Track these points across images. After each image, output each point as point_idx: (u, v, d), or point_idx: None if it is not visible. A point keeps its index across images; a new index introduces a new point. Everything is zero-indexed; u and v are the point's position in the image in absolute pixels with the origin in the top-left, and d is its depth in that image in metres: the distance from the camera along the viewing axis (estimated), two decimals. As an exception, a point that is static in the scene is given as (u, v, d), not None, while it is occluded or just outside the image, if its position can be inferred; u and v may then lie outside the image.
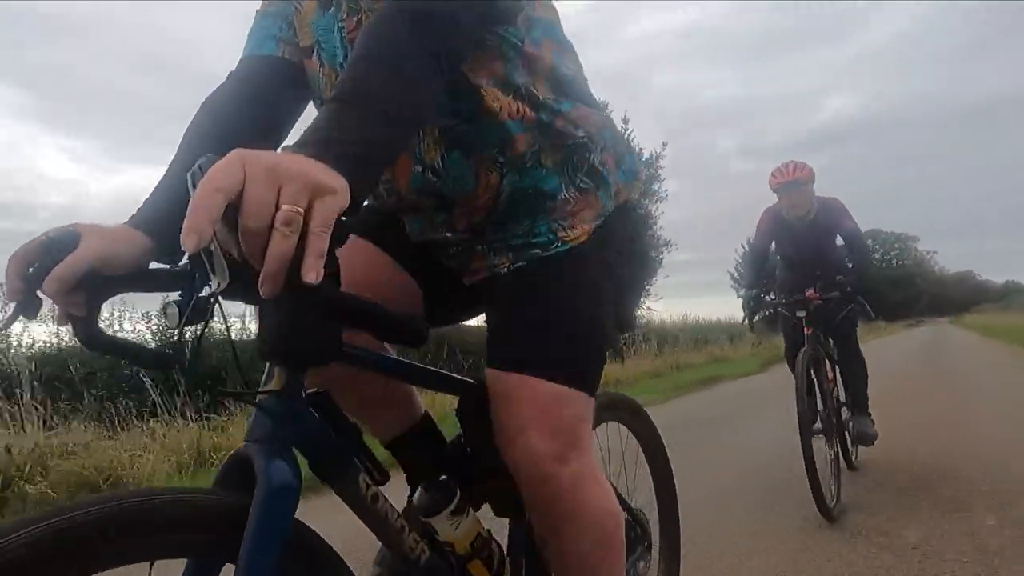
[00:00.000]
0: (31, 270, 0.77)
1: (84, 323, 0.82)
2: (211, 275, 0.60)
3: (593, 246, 1.04)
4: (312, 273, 0.56)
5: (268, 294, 0.57)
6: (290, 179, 0.56)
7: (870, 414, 4.00)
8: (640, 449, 1.61)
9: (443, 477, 1.05)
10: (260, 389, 0.77)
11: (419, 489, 1.02)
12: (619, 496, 1.32)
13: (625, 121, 19.03)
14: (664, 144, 19.35)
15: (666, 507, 1.65)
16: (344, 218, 0.64)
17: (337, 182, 0.60)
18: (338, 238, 0.61)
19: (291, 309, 0.71)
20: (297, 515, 0.74)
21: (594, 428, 1.41)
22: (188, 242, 0.52)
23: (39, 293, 0.78)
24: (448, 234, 1.04)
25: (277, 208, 0.56)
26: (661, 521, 1.64)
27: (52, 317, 0.81)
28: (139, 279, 0.86)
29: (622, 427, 1.56)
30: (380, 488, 0.89)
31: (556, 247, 1.02)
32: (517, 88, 0.96)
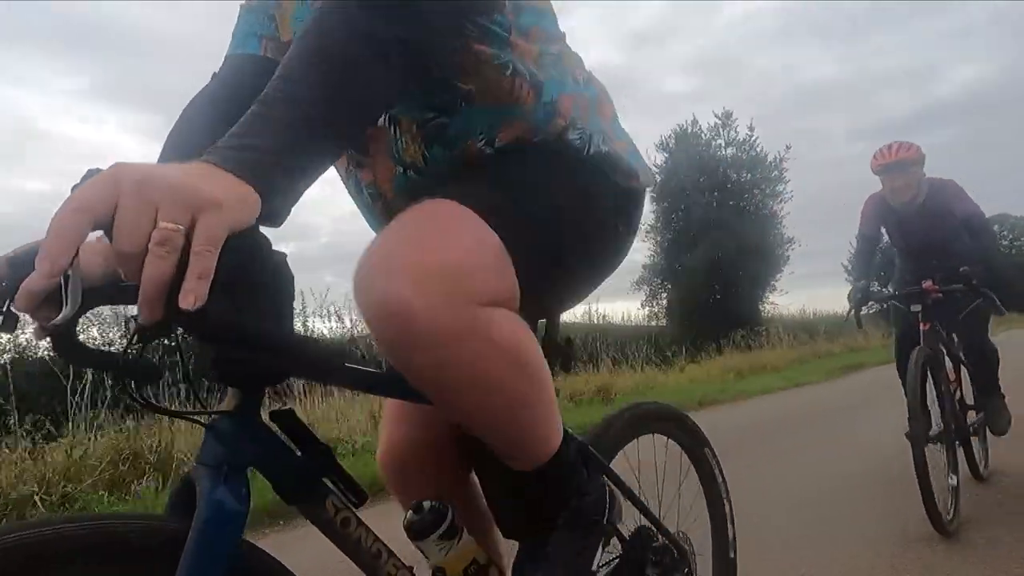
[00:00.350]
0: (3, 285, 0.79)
1: (62, 337, 0.83)
2: (64, 302, 0.57)
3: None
4: (190, 297, 0.52)
5: (146, 321, 0.54)
6: (167, 194, 0.52)
7: (1003, 396, 3.59)
8: (693, 468, 1.49)
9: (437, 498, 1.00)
10: (212, 410, 0.75)
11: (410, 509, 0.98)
12: (649, 514, 1.22)
13: (751, 129, 18.96)
14: (787, 147, 19.28)
15: (719, 527, 1.52)
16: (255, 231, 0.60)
17: (227, 194, 0.55)
18: (234, 256, 0.57)
19: None
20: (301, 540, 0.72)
21: (632, 440, 1.32)
22: (40, 269, 0.50)
23: (13, 309, 0.80)
24: None
25: (156, 226, 0.52)
26: (714, 542, 1.51)
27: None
28: (116, 292, 0.86)
29: (669, 441, 1.45)
30: (357, 511, 0.86)
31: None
32: (515, 68, 0.88)
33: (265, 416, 0.80)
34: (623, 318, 17.32)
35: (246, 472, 0.75)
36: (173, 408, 0.79)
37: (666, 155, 19.62)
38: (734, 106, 48.83)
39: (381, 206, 0.99)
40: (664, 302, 19.67)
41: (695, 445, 1.48)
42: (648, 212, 19.11)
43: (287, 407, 0.82)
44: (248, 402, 0.76)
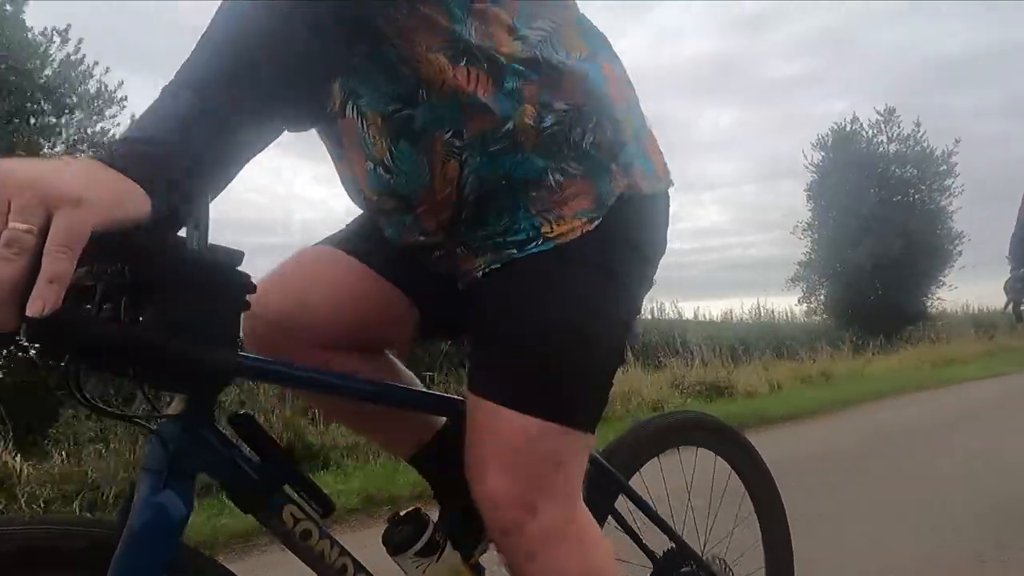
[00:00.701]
0: None
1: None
2: None
3: (588, 244, 0.86)
4: (38, 303, 0.49)
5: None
6: (17, 191, 0.49)
7: None
8: (746, 491, 1.35)
9: (416, 508, 0.95)
10: (159, 413, 0.74)
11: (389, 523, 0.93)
12: (675, 537, 1.12)
13: (917, 124, 18.71)
14: (957, 140, 18.78)
15: (776, 555, 1.37)
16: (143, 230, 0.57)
17: (92, 190, 0.51)
18: (117, 257, 0.55)
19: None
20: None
21: (666, 452, 1.22)
22: None
23: None
24: (421, 237, 0.93)
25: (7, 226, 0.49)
26: (768, 570, 1.37)
27: None
28: None
29: (715, 457, 1.33)
30: (322, 521, 0.82)
31: (537, 244, 0.86)
32: (470, 52, 0.80)
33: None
34: (786, 315, 17.61)
35: (190, 478, 0.74)
36: (126, 412, 0.79)
37: (823, 153, 19.11)
38: (855, 87, 45.89)
39: (364, 203, 0.96)
40: (822, 298, 19.30)
41: (745, 462, 1.35)
42: (805, 210, 19.12)
43: (246, 412, 0.80)
44: (195, 405, 0.74)
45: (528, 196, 0.86)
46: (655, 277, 0.98)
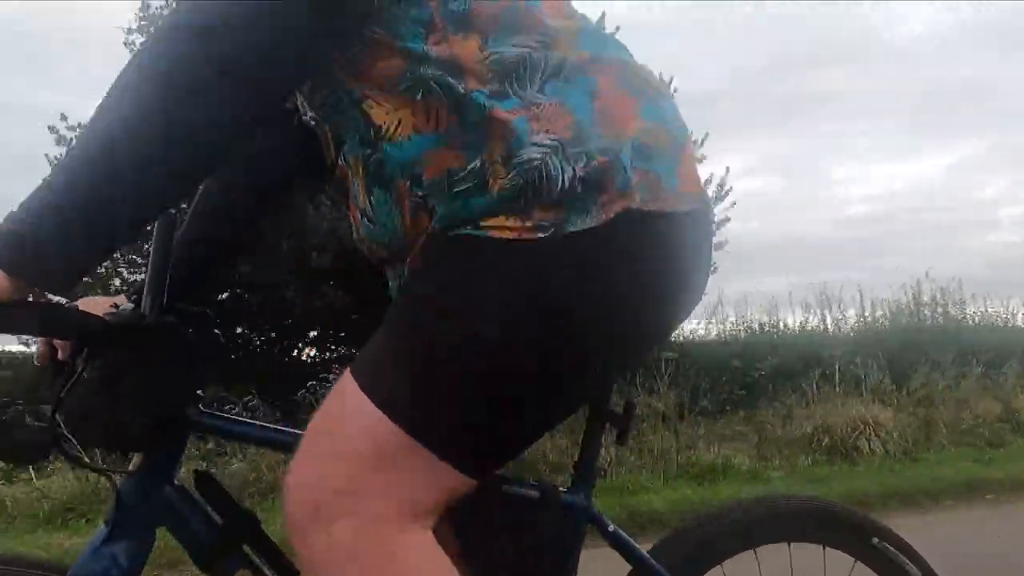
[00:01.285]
0: None
1: None
2: None
3: (527, 253, 0.72)
4: None
5: None
6: None
7: None
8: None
9: None
10: (122, 469, 0.79)
11: None
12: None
13: None
14: None
15: None
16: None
17: None
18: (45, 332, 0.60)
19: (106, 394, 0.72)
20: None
21: (739, 552, 0.99)
22: None
23: None
24: None
25: None
26: None
27: None
28: None
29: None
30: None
31: (465, 226, 0.73)
32: (426, 85, 0.72)
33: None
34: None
35: (140, 533, 0.77)
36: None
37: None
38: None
39: (368, 253, 0.93)
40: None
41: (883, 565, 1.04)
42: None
43: (207, 470, 0.82)
44: (152, 462, 0.78)
45: None
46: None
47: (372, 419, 0.70)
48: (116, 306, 0.81)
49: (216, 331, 0.84)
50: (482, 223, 0.72)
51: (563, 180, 0.72)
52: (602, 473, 0.88)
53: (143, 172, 0.63)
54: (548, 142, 0.72)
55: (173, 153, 0.65)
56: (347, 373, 0.74)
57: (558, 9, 0.79)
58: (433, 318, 0.73)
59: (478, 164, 0.73)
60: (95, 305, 0.87)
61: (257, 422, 0.86)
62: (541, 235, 0.71)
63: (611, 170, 0.73)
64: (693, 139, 0.75)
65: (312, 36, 0.68)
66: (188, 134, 0.65)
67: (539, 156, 0.72)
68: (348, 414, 0.72)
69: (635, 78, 0.81)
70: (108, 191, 0.63)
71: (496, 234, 0.72)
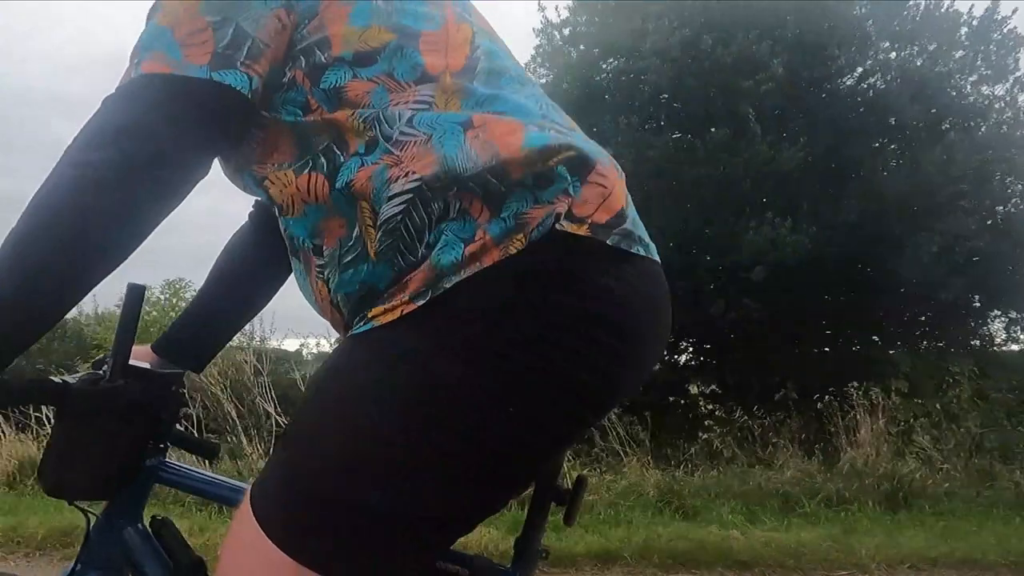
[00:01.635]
0: None
1: None
2: None
3: (411, 329, 0.69)
4: None
5: None
6: None
7: None
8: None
9: None
10: (91, 509, 0.89)
11: None
12: None
13: None
14: None
15: None
16: None
17: None
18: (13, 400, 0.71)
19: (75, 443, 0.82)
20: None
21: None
22: None
23: None
24: None
25: None
26: None
27: None
28: None
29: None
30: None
31: (359, 326, 0.73)
32: (313, 155, 0.75)
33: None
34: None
35: (110, 571, 0.86)
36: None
37: None
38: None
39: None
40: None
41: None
42: None
43: (164, 517, 0.91)
44: (115, 507, 0.88)
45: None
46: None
47: (271, 557, 0.68)
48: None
49: (183, 390, 0.94)
50: (369, 314, 0.72)
51: (428, 230, 0.70)
52: (543, 555, 0.86)
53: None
54: (410, 187, 0.71)
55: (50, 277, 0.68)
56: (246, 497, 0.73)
57: (451, 67, 0.77)
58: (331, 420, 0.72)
59: (358, 231, 0.73)
60: (144, 354, 0.97)
61: (213, 476, 0.96)
62: (421, 302, 0.69)
63: (486, 207, 0.70)
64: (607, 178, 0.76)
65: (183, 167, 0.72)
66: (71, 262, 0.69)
67: (399, 210, 0.71)
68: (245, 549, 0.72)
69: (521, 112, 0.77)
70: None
71: (380, 321, 0.70)
